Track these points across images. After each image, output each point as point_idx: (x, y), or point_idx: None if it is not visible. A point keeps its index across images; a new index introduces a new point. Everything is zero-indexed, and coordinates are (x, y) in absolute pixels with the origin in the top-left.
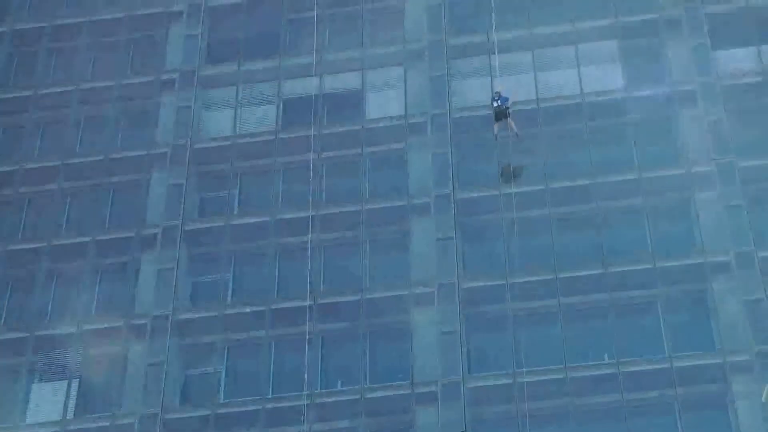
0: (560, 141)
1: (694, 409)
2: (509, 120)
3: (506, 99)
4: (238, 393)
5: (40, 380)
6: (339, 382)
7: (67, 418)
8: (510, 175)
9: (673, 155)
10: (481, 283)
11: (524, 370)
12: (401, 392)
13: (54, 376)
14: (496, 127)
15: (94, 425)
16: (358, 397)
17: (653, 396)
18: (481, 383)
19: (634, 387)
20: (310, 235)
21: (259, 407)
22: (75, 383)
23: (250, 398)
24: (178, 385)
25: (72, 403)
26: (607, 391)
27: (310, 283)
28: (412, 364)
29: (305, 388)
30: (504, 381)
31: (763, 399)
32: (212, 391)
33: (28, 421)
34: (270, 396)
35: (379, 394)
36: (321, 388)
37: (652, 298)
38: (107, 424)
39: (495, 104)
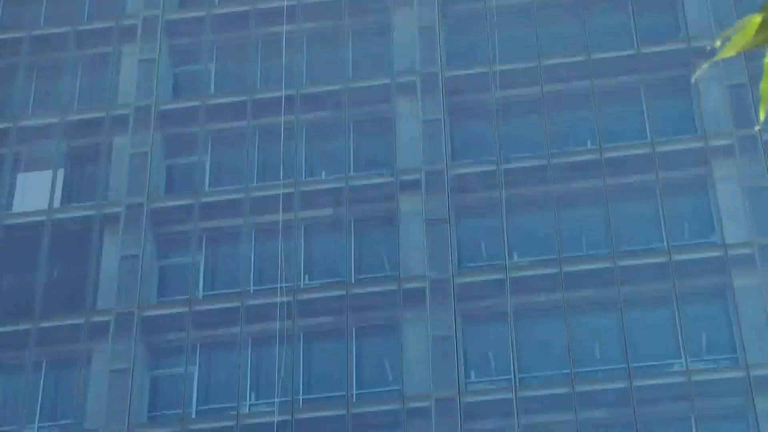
0: None
1: (676, 193)
2: None
3: None
4: (222, 182)
5: (26, 170)
6: (323, 172)
7: (54, 207)
8: None
9: None
10: (464, 72)
11: (507, 157)
12: (385, 180)
13: (39, 166)
14: None
15: (80, 214)
16: (342, 185)
17: (635, 180)
18: (464, 170)
19: (616, 172)
20: (284, 27)
21: (243, 196)
22: (60, 173)
23: (234, 187)
24: (162, 176)
25: (58, 192)
26: (589, 177)
27: (290, 72)
28: (395, 152)
29: (283, 176)
30: (487, 168)
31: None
32: (197, 180)
33: (15, 210)
34: (254, 184)
35: (363, 182)
36: (305, 177)
37: (635, 83)
38: (93, 213)
39: None
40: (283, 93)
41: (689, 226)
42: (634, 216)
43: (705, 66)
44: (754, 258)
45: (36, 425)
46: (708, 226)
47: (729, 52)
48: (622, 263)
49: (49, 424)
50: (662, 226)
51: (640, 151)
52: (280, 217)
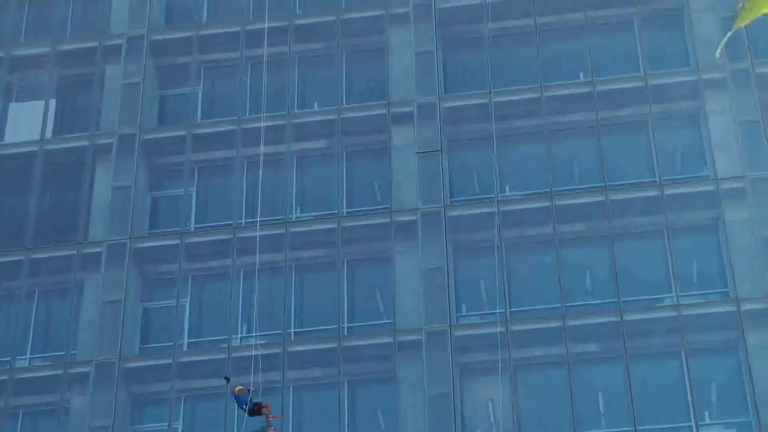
0: None
1: (668, 126)
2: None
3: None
4: (215, 114)
5: (17, 100)
6: (315, 103)
7: (46, 137)
8: None
9: None
10: (457, 3)
11: (498, 90)
12: (377, 112)
13: (31, 96)
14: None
15: (72, 145)
16: (334, 117)
17: (627, 114)
18: (456, 102)
19: (609, 105)
20: None
21: (235, 127)
22: (52, 103)
23: (227, 119)
24: (155, 106)
25: (50, 122)
26: (581, 110)
27: (283, 2)
28: (387, 84)
29: (275, 108)
30: (479, 101)
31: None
32: (189, 111)
33: (6, 140)
34: (247, 116)
35: (355, 114)
36: (297, 109)
37: (628, 15)
38: (86, 143)
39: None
40: (276, 24)
41: (681, 159)
42: (626, 149)
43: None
44: (745, 192)
45: (28, 356)
46: (700, 160)
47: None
48: (614, 197)
49: (41, 354)
50: (654, 159)
51: (632, 84)
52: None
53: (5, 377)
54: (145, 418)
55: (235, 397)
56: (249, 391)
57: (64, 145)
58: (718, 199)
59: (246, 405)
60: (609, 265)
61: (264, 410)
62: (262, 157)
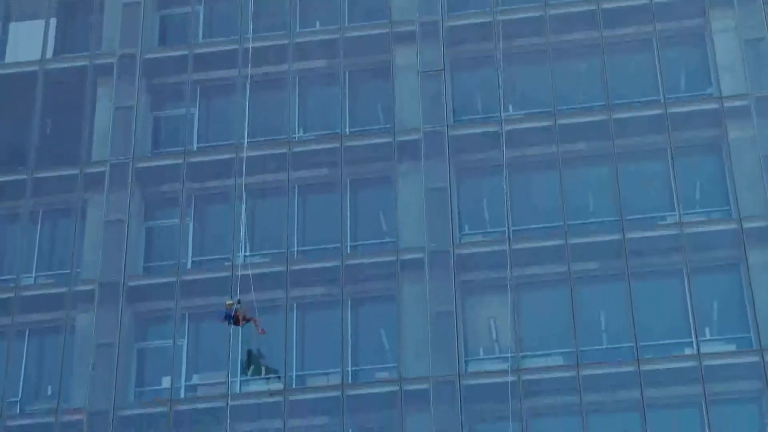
0: None
1: (673, 45)
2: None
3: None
4: (216, 34)
5: (17, 20)
6: (317, 23)
7: (46, 57)
8: None
9: None
10: None
11: (502, 8)
12: (380, 32)
13: (31, 16)
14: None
15: (73, 65)
16: (336, 37)
17: (631, 32)
18: (459, 22)
19: (613, 24)
20: None
21: (236, 47)
22: (52, 22)
23: (229, 39)
24: (156, 26)
25: (51, 42)
26: (585, 29)
27: None
28: (390, 3)
29: (277, 28)
30: (482, 19)
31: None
32: (190, 32)
33: (7, 60)
34: (249, 35)
35: (358, 33)
36: (299, 29)
37: None
38: (86, 63)
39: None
40: None
41: (686, 78)
42: (630, 68)
43: None
44: (750, 110)
45: (33, 275)
46: (705, 79)
47: None
48: (617, 116)
49: (46, 273)
50: (658, 78)
51: (636, 2)
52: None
53: (11, 295)
54: (149, 336)
55: (225, 314)
56: (238, 302)
57: (65, 65)
58: (721, 118)
59: (228, 317)
60: (611, 183)
61: (247, 318)
62: (249, 79)
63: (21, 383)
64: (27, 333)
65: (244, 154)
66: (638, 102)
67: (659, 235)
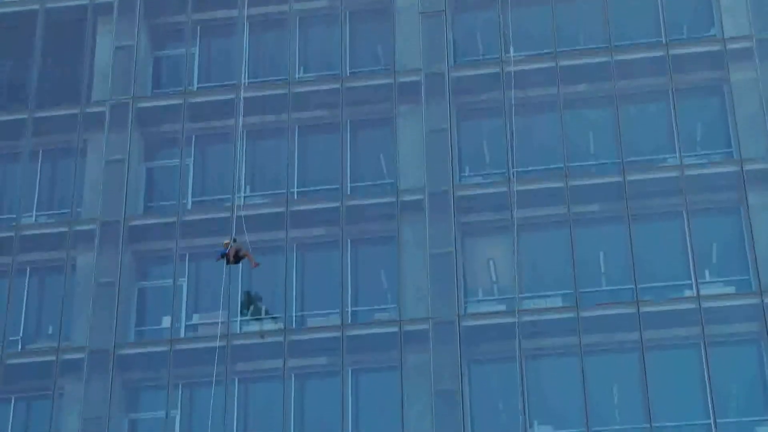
0: None
1: None
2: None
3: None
4: None
5: None
6: None
7: None
8: None
9: None
10: None
11: None
12: None
13: None
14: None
15: (72, 3)
16: None
17: None
18: None
19: None
20: None
21: None
22: None
23: None
24: None
25: None
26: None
27: None
28: None
29: None
30: None
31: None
32: None
33: None
34: None
35: None
36: None
37: None
38: (86, 2)
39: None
40: None
41: (688, 19)
42: (632, 9)
43: None
44: (752, 52)
45: (34, 214)
46: (707, 20)
47: None
48: (619, 57)
49: (47, 213)
50: (661, 19)
51: None
52: None
53: (12, 234)
54: (150, 275)
55: (221, 253)
56: (234, 240)
57: (65, 4)
58: (724, 60)
59: (223, 255)
60: (612, 125)
61: (244, 253)
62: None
63: (22, 322)
64: (28, 272)
65: (242, 95)
66: (640, 43)
67: (660, 177)
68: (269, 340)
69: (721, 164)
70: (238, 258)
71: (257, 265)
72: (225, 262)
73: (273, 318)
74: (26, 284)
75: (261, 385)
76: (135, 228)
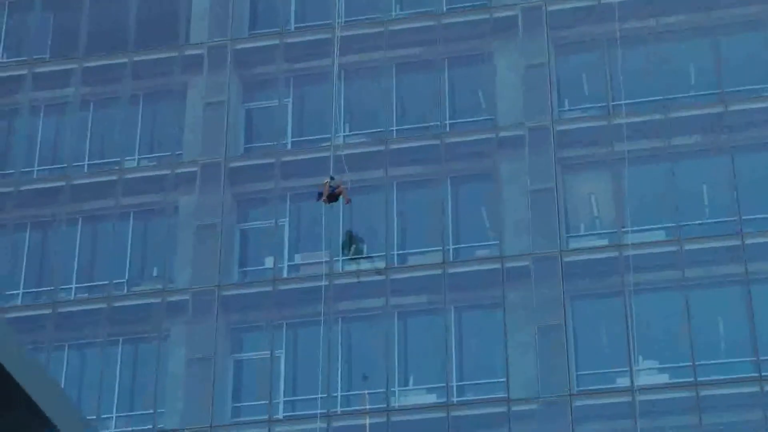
0: None
1: None
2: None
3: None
4: None
5: None
6: None
7: None
8: None
9: None
10: None
11: None
12: None
13: None
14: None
15: None
16: None
17: None
18: None
19: None
20: None
21: None
22: None
23: None
24: None
25: None
26: None
27: None
28: None
29: None
30: None
31: None
32: None
33: None
34: None
35: None
36: None
37: None
38: None
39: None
40: None
41: None
42: None
43: None
44: None
45: (136, 156)
46: None
47: None
48: None
49: (148, 156)
50: None
51: None
52: None
53: (115, 177)
54: (251, 216)
55: (318, 193)
56: (331, 178)
57: None
58: None
59: (320, 195)
60: (712, 57)
61: (339, 190)
62: None
63: (127, 265)
64: (131, 215)
65: (338, 34)
66: None
67: (761, 107)
68: (371, 279)
69: None
70: (334, 196)
71: (349, 201)
72: (327, 201)
73: (374, 258)
74: (130, 227)
75: (363, 323)
76: (235, 169)
